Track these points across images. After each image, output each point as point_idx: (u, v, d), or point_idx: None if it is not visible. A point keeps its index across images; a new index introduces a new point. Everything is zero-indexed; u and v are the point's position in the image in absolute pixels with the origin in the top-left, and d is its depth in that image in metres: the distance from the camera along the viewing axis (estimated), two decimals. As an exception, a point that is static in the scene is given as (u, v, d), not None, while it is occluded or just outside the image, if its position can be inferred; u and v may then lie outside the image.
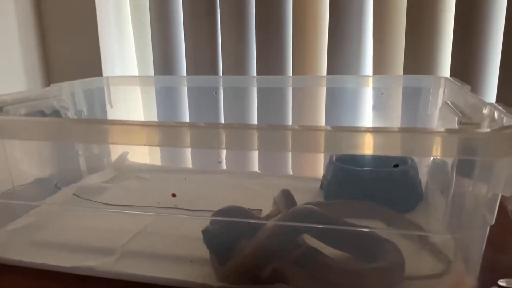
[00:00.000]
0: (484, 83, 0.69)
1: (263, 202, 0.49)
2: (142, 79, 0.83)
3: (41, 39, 0.96)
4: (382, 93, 0.69)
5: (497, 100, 0.68)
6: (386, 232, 0.43)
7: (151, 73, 0.90)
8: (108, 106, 0.75)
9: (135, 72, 0.93)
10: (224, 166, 0.74)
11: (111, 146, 0.73)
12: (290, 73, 0.81)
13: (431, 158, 0.55)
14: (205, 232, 0.40)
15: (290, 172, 0.79)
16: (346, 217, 0.43)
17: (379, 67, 0.76)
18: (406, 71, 0.74)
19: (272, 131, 0.33)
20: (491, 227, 0.33)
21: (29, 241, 0.48)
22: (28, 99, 0.58)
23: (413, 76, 0.71)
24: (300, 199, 0.45)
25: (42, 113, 0.60)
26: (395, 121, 0.70)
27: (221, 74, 0.85)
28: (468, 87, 0.50)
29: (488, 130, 0.31)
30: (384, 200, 0.50)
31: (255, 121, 0.82)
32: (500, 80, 0.67)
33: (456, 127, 0.40)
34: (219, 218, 0.41)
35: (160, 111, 0.83)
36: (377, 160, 0.54)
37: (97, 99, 0.74)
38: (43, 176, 0.62)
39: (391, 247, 0.40)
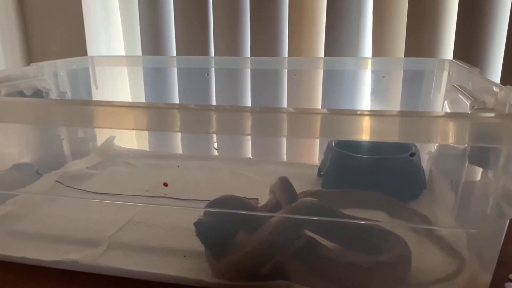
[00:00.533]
0: (489, 66, 0.67)
1: (259, 190, 0.47)
2: (129, 59, 0.80)
3: (21, 15, 0.92)
4: (383, 77, 0.67)
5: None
6: (392, 225, 0.42)
7: (139, 52, 0.87)
8: (93, 87, 0.73)
9: (122, 52, 0.90)
10: (216, 152, 0.72)
11: (96, 129, 0.71)
12: (286, 54, 0.79)
13: (435, 145, 0.54)
14: (197, 224, 0.38)
15: (285, 158, 0.77)
16: (348, 207, 0.42)
17: (379, 49, 0.74)
18: (408, 53, 0.72)
19: (266, 113, 0.31)
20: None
21: (7, 232, 0.46)
22: (8, 79, 0.55)
23: (415, 58, 0.69)
24: (297, 187, 0.43)
25: (22, 94, 0.57)
26: (395, 106, 0.69)
27: (213, 54, 0.82)
28: (477, 70, 0.48)
29: (507, 114, 0.30)
30: (386, 188, 0.49)
31: (248, 104, 0.80)
32: (504, 64, 0.65)
33: (468, 112, 0.37)
34: (213, 210, 0.39)
35: (148, 93, 0.81)
36: (378, 146, 0.52)
37: (82, 80, 0.71)
38: (23, 162, 0.59)
39: (397, 239, 0.38)
